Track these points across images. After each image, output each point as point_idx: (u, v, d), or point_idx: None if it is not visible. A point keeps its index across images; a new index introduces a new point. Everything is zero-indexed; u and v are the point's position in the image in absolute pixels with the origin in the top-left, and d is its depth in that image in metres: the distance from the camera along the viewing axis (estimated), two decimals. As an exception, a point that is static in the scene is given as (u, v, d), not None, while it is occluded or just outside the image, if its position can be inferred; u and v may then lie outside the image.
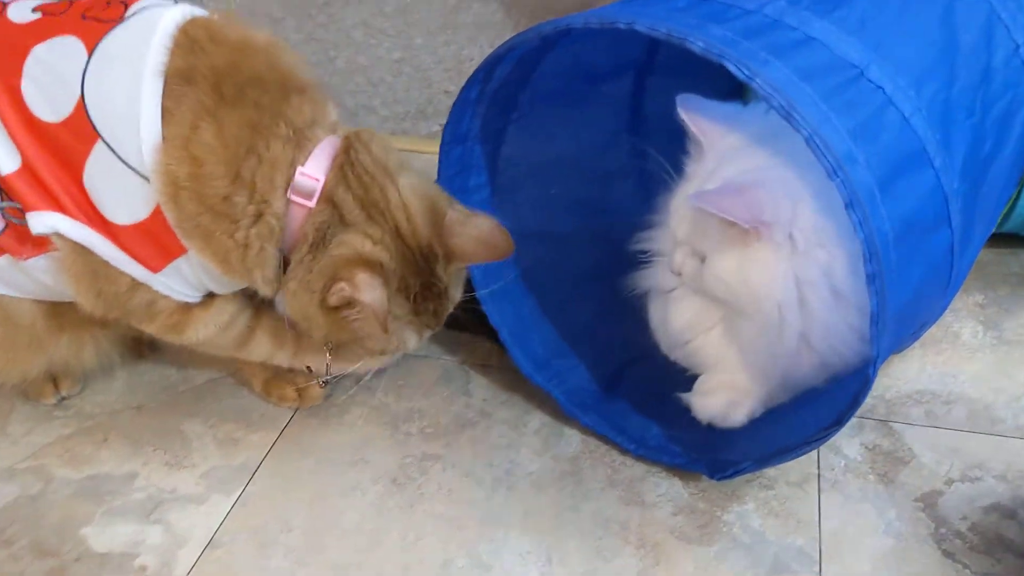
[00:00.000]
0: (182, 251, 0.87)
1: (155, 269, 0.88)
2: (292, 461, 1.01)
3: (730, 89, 1.04)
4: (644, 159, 1.26)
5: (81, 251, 0.87)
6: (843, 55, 0.86)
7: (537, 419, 1.06)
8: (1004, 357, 1.13)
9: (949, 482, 0.97)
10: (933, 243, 0.88)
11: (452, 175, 1.04)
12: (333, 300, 0.86)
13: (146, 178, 0.83)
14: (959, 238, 0.91)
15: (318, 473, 1.00)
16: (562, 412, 1.04)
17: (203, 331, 0.95)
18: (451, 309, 0.96)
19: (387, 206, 0.89)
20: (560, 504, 0.96)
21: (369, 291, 0.85)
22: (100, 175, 0.84)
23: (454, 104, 0.98)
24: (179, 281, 0.90)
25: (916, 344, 1.12)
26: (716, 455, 0.98)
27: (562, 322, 1.11)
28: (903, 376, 1.10)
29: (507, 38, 0.90)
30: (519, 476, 0.99)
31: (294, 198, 0.87)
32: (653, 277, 1.02)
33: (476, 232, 0.92)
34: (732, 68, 0.77)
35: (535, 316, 1.09)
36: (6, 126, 0.84)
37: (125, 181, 0.84)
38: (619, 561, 0.90)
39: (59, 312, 0.97)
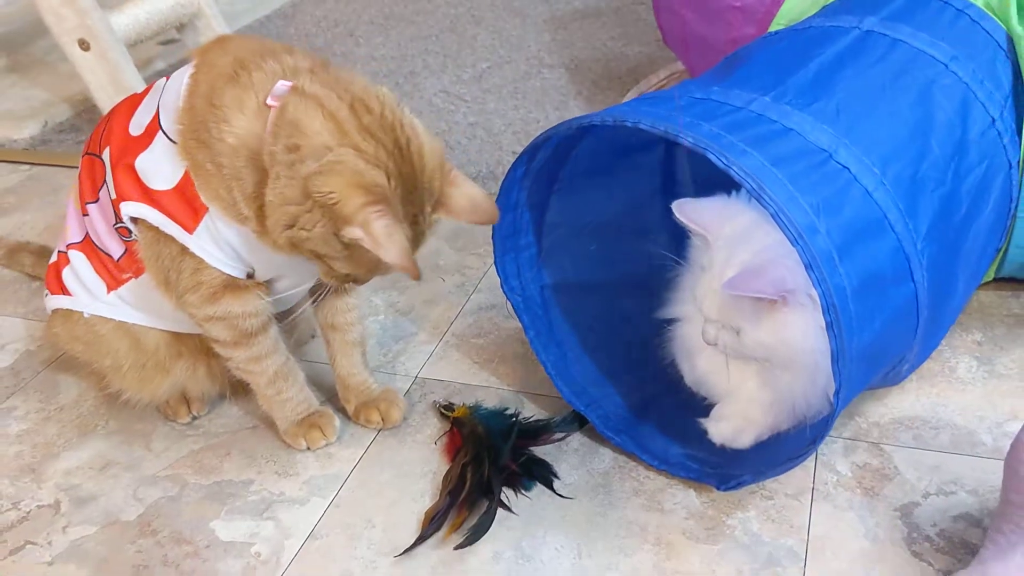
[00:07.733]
0: (206, 209, 1.04)
1: (190, 229, 1.05)
2: (375, 472, 1.24)
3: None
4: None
5: (146, 229, 1.08)
6: (815, 142, 1.04)
7: (576, 439, 1.26)
8: (993, 389, 1.27)
9: (926, 495, 1.13)
10: (895, 295, 1.05)
11: (505, 236, 1.26)
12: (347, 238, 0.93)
13: (176, 142, 1.03)
14: (926, 289, 1.09)
15: (394, 483, 1.22)
16: (597, 433, 1.24)
17: (232, 307, 1.11)
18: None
19: (392, 122, 0.93)
20: (591, 511, 1.16)
21: (386, 236, 0.90)
22: (151, 155, 1.05)
23: (503, 180, 1.20)
24: (211, 242, 1.05)
25: (913, 377, 1.29)
26: (725, 470, 1.16)
27: (600, 358, 1.31)
28: (898, 405, 1.26)
29: (569, 103, 1.07)
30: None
31: (270, 101, 0.95)
32: (682, 338, 1.19)
33: (470, 191, 1.00)
34: (713, 158, 0.97)
35: (576, 353, 1.29)
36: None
37: (166, 151, 1.04)
38: (637, 556, 1.09)
39: (178, 340, 1.24)
